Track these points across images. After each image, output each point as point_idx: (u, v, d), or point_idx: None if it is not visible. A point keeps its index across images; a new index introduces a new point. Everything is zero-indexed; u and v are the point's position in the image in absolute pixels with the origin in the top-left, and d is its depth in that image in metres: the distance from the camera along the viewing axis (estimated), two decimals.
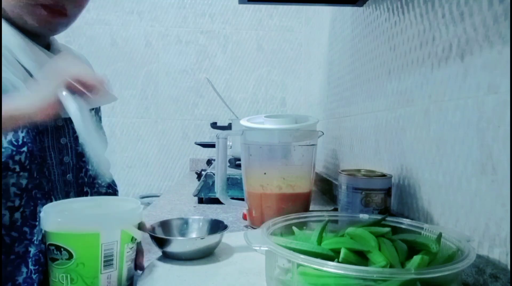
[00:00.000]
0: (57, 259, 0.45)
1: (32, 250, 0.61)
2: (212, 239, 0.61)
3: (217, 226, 0.66)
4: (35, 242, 0.61)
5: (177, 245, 0.59)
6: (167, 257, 0.60)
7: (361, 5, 1.00)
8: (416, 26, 0.70)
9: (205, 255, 0.60)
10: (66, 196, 0.70)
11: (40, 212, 0.61)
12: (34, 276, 0.60)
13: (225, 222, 0.66)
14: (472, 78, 0.53)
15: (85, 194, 0.75)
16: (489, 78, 0.49)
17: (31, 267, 0.60)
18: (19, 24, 0.65)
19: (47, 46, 0.72)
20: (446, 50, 0.60)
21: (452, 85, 0.58)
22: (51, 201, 0.65)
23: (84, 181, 0.74)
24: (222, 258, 0.60)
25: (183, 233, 0.67)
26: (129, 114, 2.05)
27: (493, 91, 0.48)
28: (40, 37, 0.69)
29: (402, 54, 0.76)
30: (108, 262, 0.46)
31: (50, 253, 0.46)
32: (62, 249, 0.45)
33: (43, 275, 0.61)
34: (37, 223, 0.62)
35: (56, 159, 0.69)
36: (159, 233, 0.64)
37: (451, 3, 0.58)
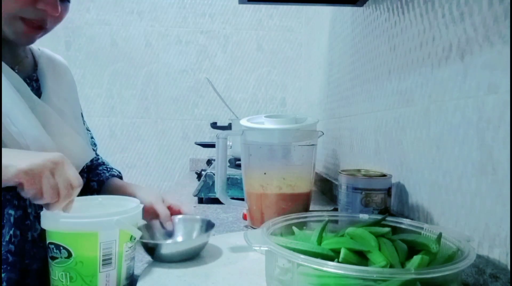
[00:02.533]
0: (57, 258, 0.45)
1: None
2: (198, 240, 0.60)
3: (204, 225, 0.65)
4: (3, 242, 0.62)
5: (161, 249, 0.57)
6: (153, 259, 0.59)
7: (361, 5, 1.00)
8: (416, 26, 0.70)
9: (192, 256, 0.59)
10: None
11: (7, 213, 0.62)
12: (2, 275, 0.61)
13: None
14: (472, 78, 0.53)
15: None
16: (489, 78, 0.49)
17: None
18: None
19: (14, 52, 0.71)
20: (446, 50, 0.60)
21: (452, 85, 0.58)
22: (24, 202, 0.64)
23: None
24: (222, 258, 0.60)
25: (169, 235, 0.66)
26: (129, 114, 2.05)
27: (493, 91, 0.48)
28: (8, 44, 0.69)
29: (402, 54, 0.76)
30: (106, 261, 0.46)
31: (50, 252, 0.46)
32: (61, 248, 0.45)
33: (11, 274, 0.62)
34: (3, 223, 0.62)
35: None
36: (144, 236, 0.61)
37: (451, 3, 0.58)
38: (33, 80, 0.73)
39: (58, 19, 0.68)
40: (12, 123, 0.61)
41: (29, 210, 0.65)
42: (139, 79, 2.04)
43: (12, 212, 0.62)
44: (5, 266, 0.61)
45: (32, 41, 0.68)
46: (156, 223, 0.67)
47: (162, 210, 0.68)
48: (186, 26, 2.05)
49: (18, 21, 0.63)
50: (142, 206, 0.54)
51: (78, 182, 0.52)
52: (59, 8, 0.64)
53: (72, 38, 1.98)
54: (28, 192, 0.48)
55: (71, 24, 1.96)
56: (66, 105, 0.75)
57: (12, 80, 0.64)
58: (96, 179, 0.82)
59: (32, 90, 0.68)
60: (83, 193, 0.82)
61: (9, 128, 0.60)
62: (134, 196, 0.70)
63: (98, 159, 0.89)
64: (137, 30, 2.03)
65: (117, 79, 2.03)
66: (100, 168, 0.85)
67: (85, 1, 1.99)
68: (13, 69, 0.66)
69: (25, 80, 0.68)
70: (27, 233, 0.64)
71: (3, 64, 0.64)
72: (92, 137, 0.87)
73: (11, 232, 0.62)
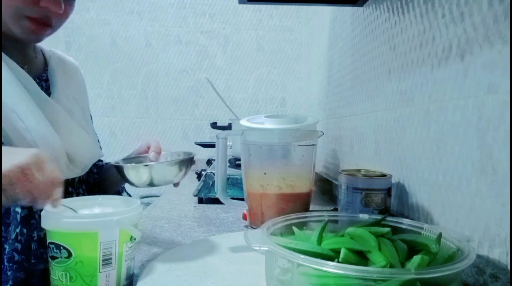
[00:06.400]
0: (57, 257, 0.45)
1: (7, 248, 0.61)
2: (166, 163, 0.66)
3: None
4: (9, 240, 0.62)
5: (131, 172, 0.63)
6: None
7: (361, 5, 1.00)
8: (416, 26, 0.70)
9: (164, 182, 0.66)
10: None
11: (14, 211, 0.62)
12: (9, 273, 0.61)
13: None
14: (472, 78, 0.53)
15: (70, 194, 0.75)
16: (489, 78, 0.49)
17: (6, 264, 0.61)
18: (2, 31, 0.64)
19: (24, 52, 0.72)
20: (446, 50, 0.60)
21: (452, 85, 0.58)
22: None
23: (67, 180, 0.74)
24: (222, 258, 0.60)
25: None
26: (129, 114, 2.05)
27: (493, 91, 0.48)
28: (18, 44, 0.69)
29: (402, 54, 0.76)
30: (106, 261, 0.46)
31: (50, 251, 0.46)
32: (61, 248, 0.45)
33: (18, 273, 0.62)
34: (9, 221, 0.62)
35: None
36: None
37: (451, 3, 0.58)
38: (43, 80, 0.73)
39: (63, 16, 0.68)
40: (20, 119, 0.61)
41: (35, 209, 0.65)
42: (139, 79, 2.04)
43: (18, 210, 0.62)
44: (11, 264, 0.61)
45: (39, 39, 0.69)
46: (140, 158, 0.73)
47: (154, 143, 0.74)
48: (186, 26, 2.05)
49: (24, 20, 0.63)
50: (142, 206, 0.54)
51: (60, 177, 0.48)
52: (62, 5, 0.65)
53: (72, 38, 1.98)
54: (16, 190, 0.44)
55: (71, 24, 1.96)
56: (75, 105, 0.75)
57: (20, 78, 0.64)
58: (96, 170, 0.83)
59: (41, 89, 0.68)
60: (88, 189, 0.83)
61: (16, 124, 0.60)
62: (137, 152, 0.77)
63: (102, 162, 0.90)
64: (137, 30, 2.03)
65: (117, 79, 2.03)
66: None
67: (85, 1, 1.99)
68: (23, 68, 0.66)
69: (34, 80, 0.68)
70: (33, 232, 0.64)
71: (12, 62, 0.64)
72: (98, 141, 0.88)
73: (18, 230, 0.62)
